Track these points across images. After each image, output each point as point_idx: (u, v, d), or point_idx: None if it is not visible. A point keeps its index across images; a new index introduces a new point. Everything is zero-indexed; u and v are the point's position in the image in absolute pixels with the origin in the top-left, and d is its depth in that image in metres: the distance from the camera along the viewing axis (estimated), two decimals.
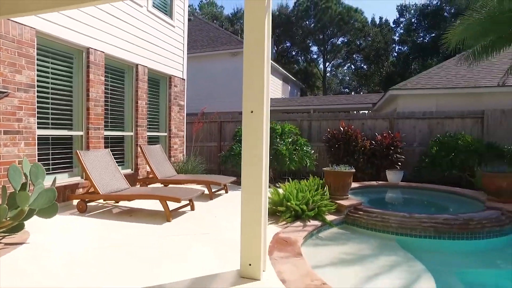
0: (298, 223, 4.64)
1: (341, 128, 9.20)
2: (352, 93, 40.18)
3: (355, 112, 18.81)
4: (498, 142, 8.27)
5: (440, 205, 6.27)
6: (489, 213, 4.92)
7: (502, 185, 5.40)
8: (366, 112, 18.81)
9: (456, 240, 4.45)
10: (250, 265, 2.86)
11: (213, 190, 6.57)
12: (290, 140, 8.49)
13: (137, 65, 7.40)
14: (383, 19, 36.81)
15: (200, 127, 9.69)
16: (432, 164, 8.29)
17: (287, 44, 38.70)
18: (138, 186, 7.06)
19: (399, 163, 8.61)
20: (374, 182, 7.93)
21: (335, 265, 3.62)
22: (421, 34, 33.11)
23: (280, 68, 21.63)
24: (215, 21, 34.53)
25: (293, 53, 39.99)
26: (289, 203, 4.88)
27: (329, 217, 4.94)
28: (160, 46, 8.22)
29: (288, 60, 38.83)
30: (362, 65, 38.12)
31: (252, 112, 2.89)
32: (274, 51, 30.31)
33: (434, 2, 31.91)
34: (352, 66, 40.01)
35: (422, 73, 12.74)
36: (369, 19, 36.88)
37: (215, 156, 10.71)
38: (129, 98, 7.40)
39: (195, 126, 9.51)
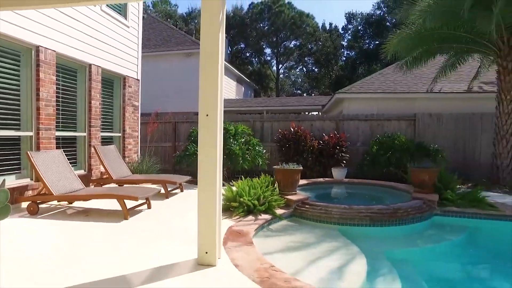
0: (250, 217, 5.04)
1: (292, 129, 9.79)
2: (304, 94, 41.73)
3: (306, 113, 19.76)
4: (426, 142, 9.35)
5: (377, 197, 7.01)
6: (414, 202, 5.69)
7: (425, 178, 6.25)
8: (316, 113, 19.85)
9: (387, 226, 5.13)
10: (206, 253, 3.18)
11: (169, 189, 6.76)
12: (243, 140, 8.87)
13: (90, 65, 7.34)
14: (333, 25, 38.77)
15: (155, 128, 9.74)
16: (372, 162, 9.15)
17: (241, 45, 39.22)
18: (92, 186, 7.03)
19: (344, 161, 9.39)
20: (321, 179, 8.59)
21: (283, 252, 4.05)
22: (367, 41, 35.38)
23: (234, 70, 22.01)
24: (168, 19, 34.01)
25: (247, 55, 40.62)
26: (241, 199, 5.25)
27: (279, 211, 5.40)
28: (114, 46, 8.19)
29: (242, 61, 39.37)
30: (313, 68, 39.80)
31: (207, 115, 3.21)
32: (228, 52, 30.63)
33: (378, 12, 34.31)
34: (304, 68, 41.58)
35: (365, 79, 13.83)
36: (320, 25, 38.63)
37: (170, 156, 10.80)
38: (82, 98, 7.32)
39: (150, 126, 9.55)
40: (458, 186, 6.58)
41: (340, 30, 38.00)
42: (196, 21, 38.71)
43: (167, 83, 17.11)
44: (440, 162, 8.54)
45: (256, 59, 40.71)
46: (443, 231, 5.28)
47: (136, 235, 4.15)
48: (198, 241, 3.22)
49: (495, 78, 9.05)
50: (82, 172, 7.28)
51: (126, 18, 8.67)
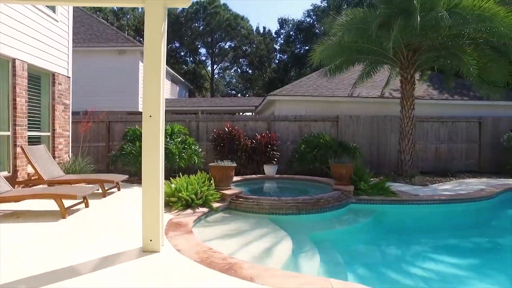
0: (188, 211, 5.40)
1: (226, 129, 10.28)
2: (239, 95, 42.60)
3: (240, 113, 20.46)
4: (346, 141, 10.56)
5: (303, 190, 7.83)
6: (334, 193, 6.58)
7: (343, 172, 7.21)
8: (250, 114, 20.65)
9: (311, 214, 5.89)
10: (151, 240, 3.51)
11: (106, 189, 6.76)
12: (179, 139, 9.10)
13: (14, 59, 6.97)
14: (266, 29, 40.28)
15: (89, 127, 9.46)
16: (300, 159, 10.05)
17: (176, 44, 38.62)
18: (20, 188, 6.70)
19: (275, 159, 10.15)
20: (254, 176, 9.22)
21: (220, 238, 4.51)
22: (298, 46, 37.41)
23: (169, 69, 21.79)
24: (98, 12, 32.11)
25: (182, 54, 40.14)
26: (180, 194, 5.59)
27: (215, 205, 5.85)
28: (42, 41, 7.85)
29: (177, 60, 38.82)
30: (248, 70, 40.83)
31: (150, 116, 3.54)
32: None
33: (308, 20, 36.54)
34: (239, 69, 42.44)
35: (295, 82, 14.89)
36: (254, 28, 39.79)
37: (104, 156, 10.54)
38: (5, 95, 6.93)
39: (83, 126, 9.26)
40: (370, 179, 7.68)
41: (273, 34, 39.60)
42: (128, 16, 37.14)
43: (99, 81, 16.34)
44: (358, 158, 9.75)
45: (191, 58, 40.46)
46: (356, 216, 6.21)
47: (77, 232, 4.26)
48: (143, 230, 3.53)
49: (399, 86, 10.57)
50: (5, 173, 6.88)
51: (54, 12, 8.34)
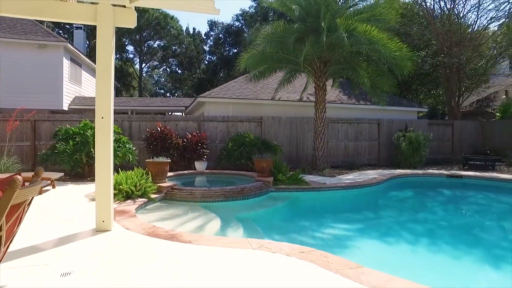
0: (129, 201, 6.08)
1: (158, 128, 10.87)
2: (168, 94, 42.28)
3: (170, 113, 20.82)
4: (269, 139, 11.93)
5: (230, 182, 8.87)
6: (256, 183, 7.75)
7: (264, 166, 8.45)
8: (180, 114, 21.16)
9: (237, 200, 6.96)
10: (103, 221, 4.21)
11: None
12: (113, 138, 9.46)
13: None
14: (196, 30, 40.65)
15: (15, 126, 9.26)
16: (228, 156, 11.10)
17: None
18: None
19: (205, 156, 11.05)
20: (186, 171, 10.01)
21: (160, 221, 5.31)
22: (227, 48, 38.58)
23: (95, 65, 21.16)
24: None
25: None
26: (121, 187, 6.22)
27: (153, 196, 6.59)
28: None
29: None
30: (177, 70, 40.75)
31: (103, 118, 4.24)
32: (86, 45, 28.58)
33: (237, 24, 37.89)
34: (168, 69, 42.09)
35: (223, 85, 15.93)
36: (184, 28, 39.88)
37: (29, 155, 10.31)
38: None
39: (10, 124, 9.04)
40: (289, 172, 9.04)
41: (203, 35, 40.15)
42: None
43: (17, 76, 15.30)
44: (279, 154, 11.14)
45: (118, 56, 38.96)
46: (275, 201, 7.45)
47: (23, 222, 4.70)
48: (96, 213, 4.22)
49: (314, 92, 12.28)
50: None
51: None
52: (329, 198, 8.22)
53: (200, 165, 10.26)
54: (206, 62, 39.95)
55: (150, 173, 7.20)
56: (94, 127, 9.49)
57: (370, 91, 11.31)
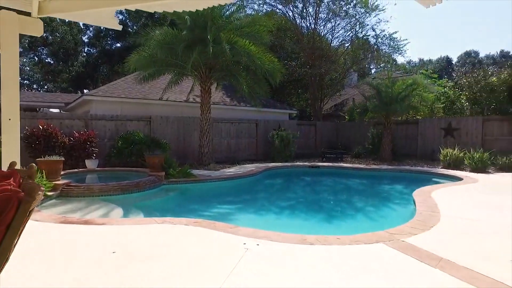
0: None
1: (41, 127, 10.52)
2: (34, 86, 37.65)
3: (42, 110, 19.26)
4: (158, 137, 12.75)
5: (125, 178, 9.40)
6: (149, 178, 8.66)
7: (156, 162, 9.38)
8: (58, 110, 19.75)
9: (133, 193, 7.77)
10: None
11: None
12: None
13: None
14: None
15: None
16: (118, 153, 11.51)
17: None
18: None
19: (95, 154, 11.21)
20: (76, 170, 10.10)
21: (64, 213, 5.83)
22: (109, 42, 36.50)
23: None
24: None
25: None
26: None
27: (49, 193, 6.88)
28: None
29: None
30: (49, 60, 36.59)
31: (10, 119, 4.67)
32: None
33: (120, 17, 36.20)
34: (36, 58, 37.34)
35: (111, 83, 15.84)
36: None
37: None
38: None
39: None
40: (178, 166, 10.12)
41: (81, 25, 37.00)
42: None
43: None
44: (168, 152, 12.07)
45: None
46: (168, 192, 8.51)
47: None
48: None
49: (200, 94, 13.59)
50: None
51: None
52: (214, 188, 9.69)
53: (90, 163, 10.45)
54: (85, 55, 37.04)
55: (44, 171, 7.37)
56: None
57: (248, 96, 13.25)
